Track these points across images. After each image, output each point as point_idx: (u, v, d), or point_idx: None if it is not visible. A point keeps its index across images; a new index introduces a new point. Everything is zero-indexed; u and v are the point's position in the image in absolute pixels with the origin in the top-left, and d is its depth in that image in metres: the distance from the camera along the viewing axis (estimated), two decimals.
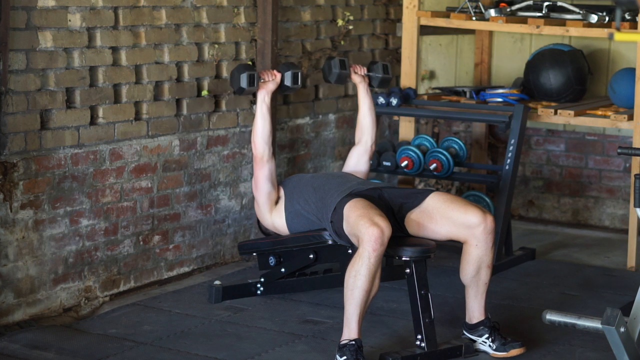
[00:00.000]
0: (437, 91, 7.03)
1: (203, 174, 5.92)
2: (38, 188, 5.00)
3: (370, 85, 5.60)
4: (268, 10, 6.10)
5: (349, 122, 7.03)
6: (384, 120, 7.33)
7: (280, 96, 6.41)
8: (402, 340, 4.88)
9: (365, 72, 5.59)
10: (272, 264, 5.40)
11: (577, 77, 6.50)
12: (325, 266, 5.65)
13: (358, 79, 5.54)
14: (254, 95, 5.36)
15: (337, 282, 5.25)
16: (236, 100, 6.09)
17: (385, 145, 6.39)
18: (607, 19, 6.12)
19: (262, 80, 5.19)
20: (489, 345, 4.76)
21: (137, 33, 5.45)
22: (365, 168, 5.49)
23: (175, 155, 5.74)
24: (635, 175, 4.30)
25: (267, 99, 5.19)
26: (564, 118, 6.22)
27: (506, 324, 5.03)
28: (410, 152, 6.16)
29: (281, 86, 5.21)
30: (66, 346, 4.74)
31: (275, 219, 5.20)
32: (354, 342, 4.49)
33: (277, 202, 5.23)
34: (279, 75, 5.22)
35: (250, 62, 5.10)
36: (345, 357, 4.47)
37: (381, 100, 6.34)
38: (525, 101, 6.51)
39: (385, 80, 5.61)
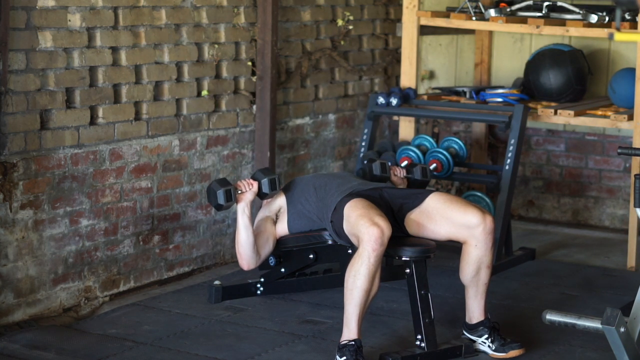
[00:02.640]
0: (437, 91, 7.03)
1: (203, 174, 5.92)
2: (38, 188, 5.00)
3: (408, 187, 5.51)
4: (268, 10, 6.10)
5: (349, 122, 7.03)
6: (384, 121, 7.33)
7: (280, 95, 6.42)
8: (402, 340, 4.88)
9: (404, 174, 5.51)
10: (272, 264, 5.40)
11: (577, 77, 6.50)
12: (325, 266, 5.65)
13: (398, 181, 5.47)
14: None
15: (337, 282, 5.25)
16: (236, 100, 6.09)
17: (385, 145, 6.39)
18: (607, 19, 6.12)
19: (239, 192, 5.04)
20: (489, 346, 4.76)
21: (137, 33, 5.45)
22: None
23: (175, 155, 5.74)
24: (635, 175, 4.30)
25: (247, 210, 5.01)
26: (564, 118, 6.22)
27: (506, 324, 5.03)
28: (410, 152, 6.16)
29: (259, 194, 5.12)
30: (66, 346, 4.74)
31: (278, 228, 5.18)
32: (353, 342, 4.49)
33: (278, 213, 5.19)
34: (255, 184, 5.06)
35: (225, 179, 5.03)
36: (345, 357, 4.47)
37: (381, 100, 6.34)
38: (525, 101, 6.51)
39: (424, 184, 5.54)
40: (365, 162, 5.44)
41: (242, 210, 5.01)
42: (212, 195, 5.01)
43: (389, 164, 5.47)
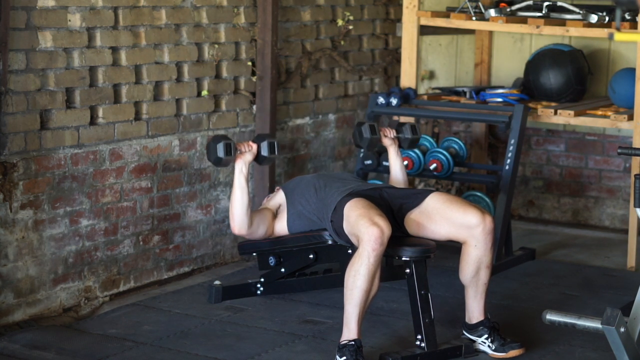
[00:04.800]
0: (437, 91, 7.03)
1: (203, 174, 5.92)
2: (38, 188, 5.00)
3: (400, 146, 5.56)
4: (268, 10, 6.10)
5: (349, 122, 7.03)
6: (384, 121, 7.33)
7: (280, 95, 6.42)
8: (402, 340, 4.88)
9: (395, 134, 5.55)
10: (272, 264, 5.40)
11: (577, 77, 6.50)
12: (325, 266, 5.65)
13: (388, 142, 5.50)
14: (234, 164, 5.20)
15: (337, 282, 5.25)
16: (236, 100, 6.09)
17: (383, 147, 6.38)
18: (607, 19, 6.12)
19: (238, 152, 5.07)
20: (488, 346, 4.76)
21: (137, 33, 5.45)
22: None
23: (175, 155, 5.74)
24: (635, 175, 4.30)
25: (245, 170, 5.04)
26: (564, 118, 6.22)
27: (506, 324, 5.03)
28: (410, 152, 6.16)
29: (258, 157, 5.12)
30: (66, 346, 4.74)
31: (277, 226, 5.19)
32: (353, 342, 4.49)
33: (278, 211, 5.21)
34: (255, 146, 5.09)
35: (227, 135, 5.04)
36: (345, 358, 4.47)
37: (381, 100, 6.34)
38: (525, 101, 6.51)
39: (414, 141, 5.57)
40: (355, 126, 5.45)
41: (239, 169, 5.03)
42: (211, 149, 5.00)
43: (377, 125, 5.49)
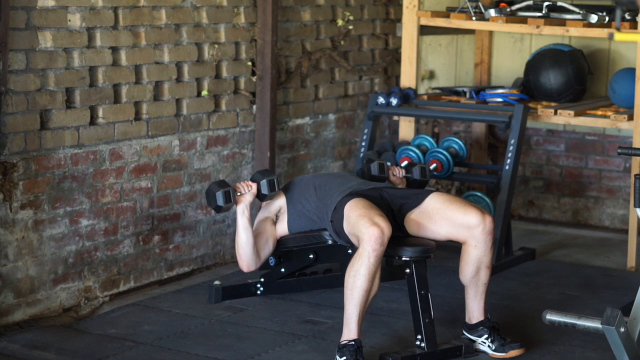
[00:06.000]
0: (437, 91, 7.03)
1: (203, 174, 5.92)
2: (38, 188, 5.00)
3: (407, 187, 5.52)
4: (268, 10, 6.10)
5: (349, 122, 7.03)
6: (384, 121, 7.33)
7: (280, 95, 6.42)
8: (402, 340, 4.88)
9: (404, 173, 5.53)
10: (272, 264, 5.40)
11: (577, 77, 6.50)
12: (325, 266, 5.65)
13: (397, 181, 5.48)
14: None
15: (337, 282, 5.25)
16: (236, 100, 6.09)
17: (385, 145, 6.39)
18: (607, 19, 6.12)
19: (238, 194, 5.05)
20: (488, 346, 4.76)
21: (137, 33, 5.45)
22: None
23: (175, 155, 5.74)
24: (635, 175, 4.30)
25: (247, 212, 5.01)
26: (564, 118, 6.22)
27: (506, 324, 5.03)
28: (410, 152, 6.16)
29: (258, 194, 5.12)
30: (66, 346, 4.74)
31: (278, 228, 5.18)
32: (353, 343, 4.48)
33: (278, 214, 5.20)
34: (254, 186, 5.07)
35: (224, 181, 5.03)
36: (345, 357, 4.47)
37: (381, 100, 6.34)
38: (525, 101, 6.51)
39: (422, 184, 5.56)
40: (364, 162, 5.44)
41: (241, 212, 5.01)
42: (211, 197, 5.01)
43: (388, 164, 5.48)
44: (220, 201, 4.98)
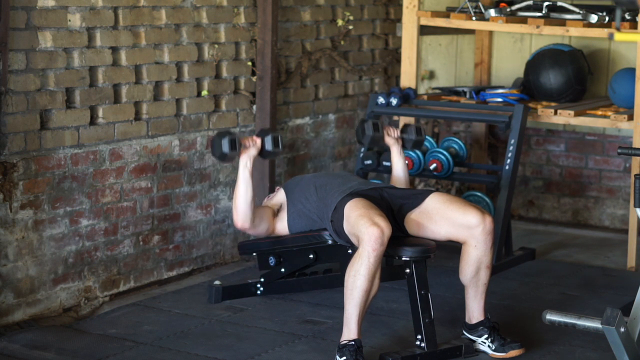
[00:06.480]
0: (437, 91, 7.03)
1: (203, 174, 5.92)
2: (38, 188, 5.00)
3: (403, 146, 5.56)
4: (268, 10, 6.10)
5: (349, 122, 7.03)
6: (384, 121, 7.33)
7: (280, 95, 6.42)
8: (402, 340, 4.88)
9: (399, 134, 5.54)
10: (272, 264, 5.40)
11: (577, 77, 6.50)
12: (325, 266, 5.65)
13: (391, 141, 5.49)
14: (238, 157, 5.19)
15: (337, 282, 5.25)
16: (236, 100, 6.09)
17: (386, 146, 6.38)
18: (607, 19, 6.12)
19: (243, 147, 5.05)
20: (488, 346, 4.76)
21: (137, 33, 5.45)
22: None
23: (175, 155, 5.74)
24: (635, 175, 4.30)
25: (250, 164, 5.03)
26: (564, 118, 6.22)
27: (506, 324, 5.03)
28: (411, 152, 6.16)
29: (262, 151, 5.12)
30: (66, 346, 4.74)
31: (277, 225, 5.19)
32: (353, 343, 4.49)
33: (278, 210, 5.21)
34: (259, 141, 5.08)
35: (232, 132, 5.03)
36: (345, 357, 4.47)
37: (381, 100, 6.34)
38: (525, 101, 6.51)
39: (418, 142, 5.55)
40: (358, 123, 5.45)
41: (244, 164, 5.03)
42: (216, 144, 4.98)
43: (380, 123, 5.48)
44: (225, 148, 4.95)
